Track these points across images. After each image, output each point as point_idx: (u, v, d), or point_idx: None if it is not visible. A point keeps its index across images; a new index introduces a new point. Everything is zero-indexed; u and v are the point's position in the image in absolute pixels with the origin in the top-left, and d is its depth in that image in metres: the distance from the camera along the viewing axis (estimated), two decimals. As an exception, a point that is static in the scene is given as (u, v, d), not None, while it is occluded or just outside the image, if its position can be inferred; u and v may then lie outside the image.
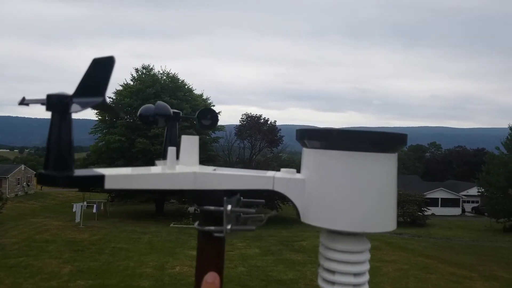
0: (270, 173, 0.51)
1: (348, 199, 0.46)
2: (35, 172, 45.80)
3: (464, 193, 41.09)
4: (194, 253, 0.53)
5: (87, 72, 0.46)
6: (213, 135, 28.48)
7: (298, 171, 0.52)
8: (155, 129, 23.74)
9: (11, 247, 13.77)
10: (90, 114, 27.23)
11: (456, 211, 39.39)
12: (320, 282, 0.50)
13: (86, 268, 11.13)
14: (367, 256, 0.49)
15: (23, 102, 0.52)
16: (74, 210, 20.40)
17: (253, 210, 0.51)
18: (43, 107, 0.47)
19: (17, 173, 38.65)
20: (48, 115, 0.47)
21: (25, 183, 40.56)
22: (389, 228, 0.47)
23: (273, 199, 27.04)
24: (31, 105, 0.51)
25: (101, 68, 0.45)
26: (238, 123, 34.75)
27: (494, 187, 28.79)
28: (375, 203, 0.46)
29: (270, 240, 16.71)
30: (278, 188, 0.50)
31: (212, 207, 0.50)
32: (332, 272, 0.48)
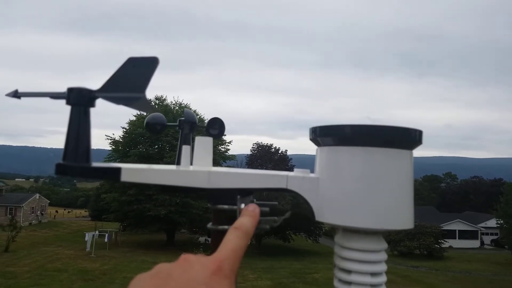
0: (284, 172, 0.52)
1: (363, 195, 0.45)
2: (49, 201, 46.19)
3: (483, 224, 39.87)
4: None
5: (120, 70, 0.48)
6: (223, 164, 28.57)
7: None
8: (168, 158, 23.95)
9: (23, 275, 13.76)
10: (104, 144, 27.61)
11: (475, 243, 38.14)
12: (336, 283, 0.49)
13: (96, 298, 11.03)
14: (383, 256, 0.48)
15: (16, 95, 0.51)
16: (86, 239, 20.42)
17: (267, 209, 0.50)
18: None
19: (31, 202, 39.02)
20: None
21: (39, 212, 40.85)
22: (406, 226, 0.46)
23: (284, 230, 26.64)
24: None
25: (140, 68, 0.47)
26: (249, 152, 34.93)
27: (514, 219, 27.94)
28: (390, 200, 0.45)
29: (282, 272, 16.36)
30: (291, 187, 0.49)
31: (225, 206, 0.50)
32: (348, 271, 0.47)
